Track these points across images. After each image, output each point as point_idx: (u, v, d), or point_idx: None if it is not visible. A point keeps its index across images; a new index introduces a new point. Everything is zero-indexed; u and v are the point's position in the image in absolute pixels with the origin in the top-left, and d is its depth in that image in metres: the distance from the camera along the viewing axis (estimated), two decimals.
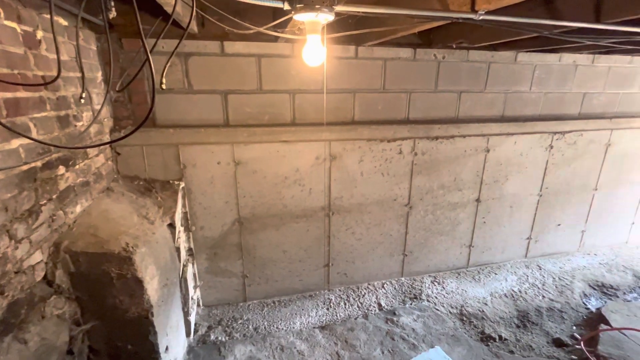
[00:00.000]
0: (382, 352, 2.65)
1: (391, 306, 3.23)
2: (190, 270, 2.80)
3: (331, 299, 3.31)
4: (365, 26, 2.17)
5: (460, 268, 3.86)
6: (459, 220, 3.64)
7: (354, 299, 3.32)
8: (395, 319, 3.02)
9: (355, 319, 3.04)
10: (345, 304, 3.25)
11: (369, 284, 3.54)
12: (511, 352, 2.74)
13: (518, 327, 3.05)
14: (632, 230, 4.46)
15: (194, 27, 2.32)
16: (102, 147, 2.27)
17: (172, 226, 2.42)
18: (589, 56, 3.51)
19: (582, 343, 2.75)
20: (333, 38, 2.64)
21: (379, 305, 3.25)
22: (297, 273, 3.30)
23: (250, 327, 2.93)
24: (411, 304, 3.27)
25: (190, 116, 2.67)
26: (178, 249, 2.47)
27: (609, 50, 3.22)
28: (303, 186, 3.03)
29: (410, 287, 3.53)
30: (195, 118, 2.69)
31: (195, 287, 3.00)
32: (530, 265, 3.98)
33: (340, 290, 3.45)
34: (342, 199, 3.17)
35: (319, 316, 3.08)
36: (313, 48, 1.53)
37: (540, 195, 3.84)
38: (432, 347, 2.68)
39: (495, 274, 3.80)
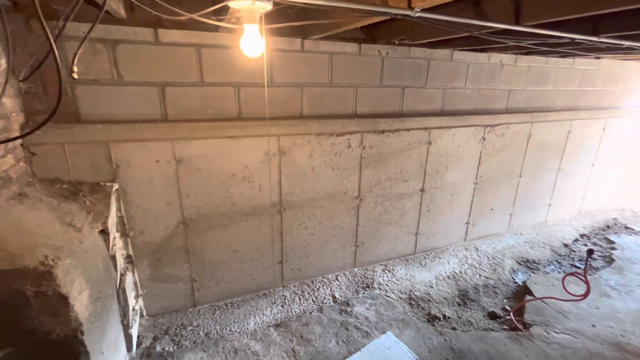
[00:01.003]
0: (337, 343, 2.70)
1: (345, 297, 3.30)
2: (129, 280, 2.56)
3: (286, 296, 3.28)
4: (307, 18, 2.13)
5: (408, 255, 4.08)
6: (406, 209, 3.83)
7: (308, 294, 3.33)
8: (349, 309, 3.09)
9: (310, 313, 3.05)
10: (300, 300, 3.25)
11: (324, 277, 3.58)
12: (454, 328, 2.97)
13: (459, 305, 3.32)
14: (549, 211, 5.09)
15: (120, 11, 2.09)
16: (9, 146, 1.96)
17: (104, 233, 2.18)
18: (513, 56, 3.88)
19: (511, 314, 3.08)
20: (277, 30, 2.57)
21: (334, 297, 3.30)
22: (250, 272, 3.21)
23: (201, 332, 2.79)
24: (364, 293, 3.38)
25: (122, 110, 2.42)
26: (114, 257, 2.24)
27: (528, 51, 3.59)
28: (252, 183, 2.94)
29: (363, 277, 3.64)
30: (129, 113, 2.44)
31: (137, 296, 2.77)
32: (469, 247, 4.34)
33: (295, 286, 3.43)
34: (293, 195, 3.14)
35: (274, 314, 3.04)
36: (251, 38, 1.46)
37: (476, 184, 4.20)
38: (384, 332, 2.80)
39: (440, 258, 4.08)
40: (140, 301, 2.83)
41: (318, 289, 3.40)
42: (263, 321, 2.95)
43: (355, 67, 3.08)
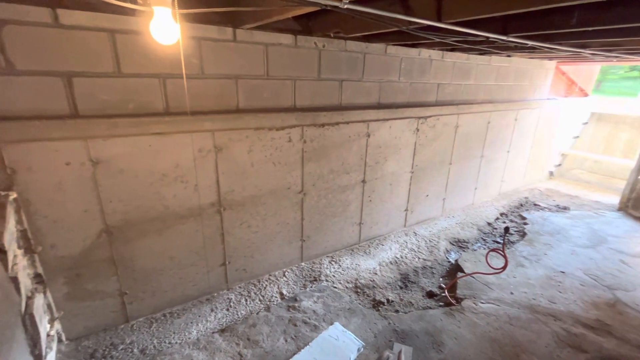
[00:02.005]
0: (286, 340, 2.67)
1: (293, 293, 3.28)
2: (40, 302, 2.21)
3: (231, 298, 3.15)
4: (235, 5, 2.00)
5: (353, 245, 4.20)
6: (349, 201, 3.92)
7: (255, 294, 3.24)
8: (297, 304, 3.08)
9: (257, 313, 2.97)
10: (246, 301, 3.14)
11: (270, 275, 3.51)
12: (396, 311, 3.13)
13: (401, 288, 3.52)
14: (475, 194, 5.64)
15: None
16: None
17: (0, 251, 1.83)
18: (440, 52, 4.16)
19: (446, 291, 3.36)
20: (204, 17, 2.38)
21: (281, 294, 3.26)
22: (190, 278, 3.01)
23: (136, 350, 2.53)
24: (311, 286, 3.39)
25: (16, 105, 2.04)
26: (15, 279, 1.90)
27: (453, 48, 3.87)
28: (187, 183, 2.73)
29: (310, 270, 3.65)
30: (25, 108, 2.07)
31: (52, 320, 2.40)
32: (409, 233, 4.62)
33: (240, 287, 3.31)
34: (233, 193, 3.00)
35: (219, 319, 2.90)
36: (162, 23, 1.30)
37: (412, 172, 4.46)
38: (332, 324, 2.84)
39: (382, 245, 4.28)
40: (57, 325, 2.47)
41: (265, 288, 3.33)
42: (207, 328, 2.79)
43: (292, 60, 3.02)
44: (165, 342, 2.62)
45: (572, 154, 7.32)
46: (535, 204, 5.83)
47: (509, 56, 5.02)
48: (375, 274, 3.68)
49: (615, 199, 5.96)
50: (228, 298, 3.15)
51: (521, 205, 5.82)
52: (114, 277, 2.62)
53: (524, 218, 5.22)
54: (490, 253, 3.66)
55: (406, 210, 4.63)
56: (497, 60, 4.94)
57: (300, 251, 3.70)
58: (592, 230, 4.81)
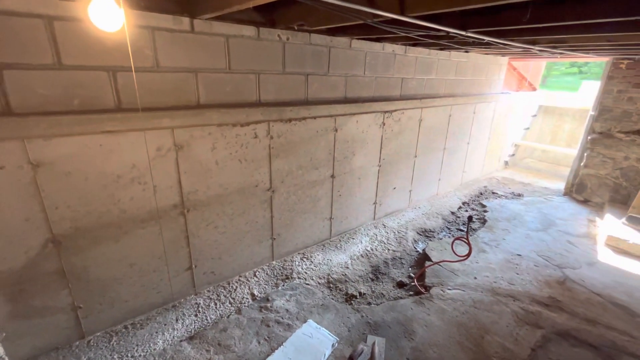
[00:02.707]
0: (259, 342, 2.60)
1: (264, 293, 3.21)
2: None
3: (199, 303, 3.01)
4: None
5: (324, 240, 4.19)
6: (319, 196, 3.90)
7: (225, 297, 3.12)
8: (269, 305, 3.01)
9: (228, 317, 2.87)
10: (216, 305, 3.02)
11: (240, 276, 3.41)
12: (369, 303, 3.18)
13: (372, 280, 3.57)
14: (439, 185, 5.87)
15: None
16: None
17: None
18: (403, 47, 4.24)
19: (415, 280, 3.46)
20: (156, 5, 2.21)
21: (252, 295, 3.17)
22: (154, 285, 2.83)
23: None
24: (284, 285, 3.34)
25: None
26: None
27: (415, 43, 3.95)
28: (145, 184, 2.54)
29: (281, 268, 3.60)
30: None
31: None
32: (378, 225, 4.71)
33: (209, 291, 3.18)
34: (197, 193, 2.85)
35: (186, 326, 2.76)
36: (102, 7, 1.17)
37: (380, 166, 4.53)
38: (305, 321, 2.82)
39: (353, 239, 4.32)
40: (0, 347, 2.21)
41: (235, 290, 3.22)
42: (174, 337, 2.65)
43: (255, 52, 2.90)
44: (127, 356, 2.44)
45: (523, 144, 7.86)
46: (493, 192, 6.19)
47: (467, 51, 5.24)
48: (347, 268, 3.70)
49: (561, 185, 6.50)
50: (196, 303, 3.01)
51: (481, 194, 6.15)
52: (64, 290, 2.39)
53: (484, 206, 5.52)
54: (456, 241, 3.82)
55: (375, 203, 4.71)
56: (456, 56, 5.14)
57: (270, 250, 3.63)
58: (542, 214, 5.20)
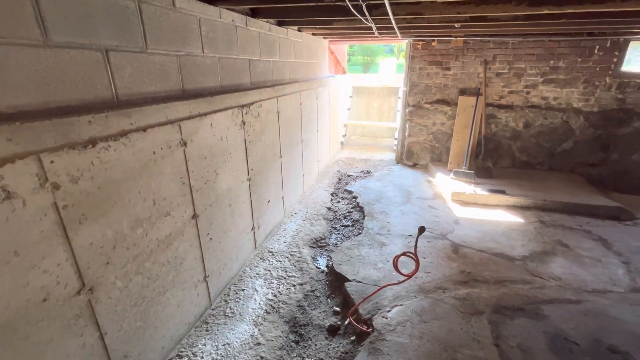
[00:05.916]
0: None
1: None
2: None
3: None
4: None
5: (204, 314, 2.72)
6: (181, 254, 2.38)
7: None
8: None
9: None
10: None
11: None
12: None
13: (297, 343, 2.53)
14: (304, 182, 5.28)
15: None
16: None
17: None
18: (242, 17, 3.12)
19: (349, 319, 2.68)
20: None
21: None
22: None
23: None
24: None
25: None
26: None
27: (253, 9, 2.93)
28: None
29: None
30: None
31: None
32: (264, 255, 3.59)
33: None
34: None
35: None
36: None
37: (250, 179, 3.36)
38: None
39: (243, 290, 3.04)
40: None
41: None
42: None
43: None
44: None
45: (351, 123, 8.49)
46: (349, 175, 6.23)
47: (300, 30, 4.69)
48: (259, 344, 2.47)
49: (391, 155, 7.36)
50: None
51: (339, 179, 6.05)
52: None
53: (350, 192, 5.37)
54: (401, 257, 3.27)
55: (253, 228, 3.54)
56: (293, 35, 4.47)
57: None
58: (397, 186, 5.56)
